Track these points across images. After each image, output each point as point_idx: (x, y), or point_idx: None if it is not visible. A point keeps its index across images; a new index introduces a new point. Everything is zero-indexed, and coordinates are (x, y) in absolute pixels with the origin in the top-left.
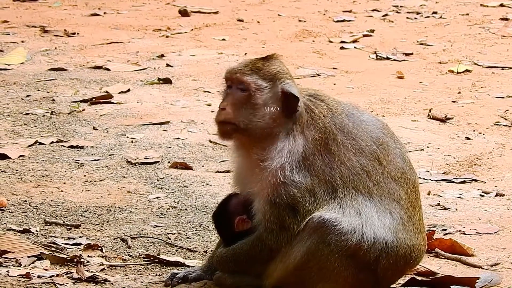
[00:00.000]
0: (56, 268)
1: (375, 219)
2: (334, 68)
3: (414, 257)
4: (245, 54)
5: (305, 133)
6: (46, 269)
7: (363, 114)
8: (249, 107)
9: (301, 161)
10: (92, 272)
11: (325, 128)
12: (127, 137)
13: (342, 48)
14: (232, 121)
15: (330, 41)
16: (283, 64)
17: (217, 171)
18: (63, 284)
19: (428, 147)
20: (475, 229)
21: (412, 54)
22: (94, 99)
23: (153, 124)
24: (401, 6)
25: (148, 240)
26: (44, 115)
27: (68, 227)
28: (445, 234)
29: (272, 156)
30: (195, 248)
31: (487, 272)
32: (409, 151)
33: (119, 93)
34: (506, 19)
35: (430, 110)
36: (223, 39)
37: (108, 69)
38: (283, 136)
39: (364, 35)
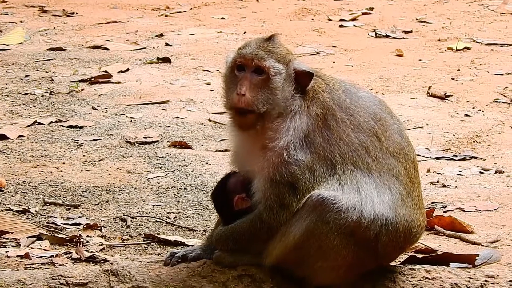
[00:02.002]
0: (55, 248)
1: (374, 196)
2: (333, 46)
3: (414, 233)
4: (244, 32)
5: (309, 109)
6: (45, 249)
7: (360, 90)
8: (268, 91)
9: (303, 139)
10: (91, 252)
11: (325, 103)
12: (126, 116)
13: (341, 26)
14: (252, 108)
15: (330, 19)
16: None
17: (217, 150)
18: (63, 264)
19: (427, 124)
20: (475, 206)
21: (411, 31)
22: (93, 79)
23: (152, 103)
24: None
25: (147, 220)
26: (43, 95)
27: (67, 207)
28: (444, 212)
29: (279, 136)
30: (195, 227)
31: (487, 249)
32: (409, 129)
33: (118, 72)
34: None
35: (429, 88)
36: (222, 18)
37: (107, 49)
38: (292, 114)
39: (363, 13)
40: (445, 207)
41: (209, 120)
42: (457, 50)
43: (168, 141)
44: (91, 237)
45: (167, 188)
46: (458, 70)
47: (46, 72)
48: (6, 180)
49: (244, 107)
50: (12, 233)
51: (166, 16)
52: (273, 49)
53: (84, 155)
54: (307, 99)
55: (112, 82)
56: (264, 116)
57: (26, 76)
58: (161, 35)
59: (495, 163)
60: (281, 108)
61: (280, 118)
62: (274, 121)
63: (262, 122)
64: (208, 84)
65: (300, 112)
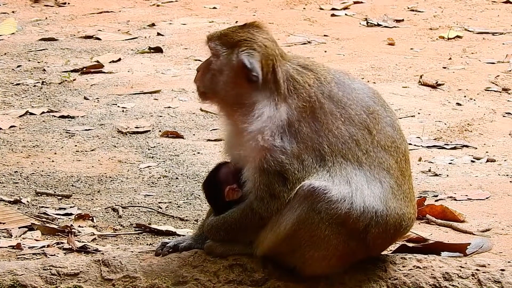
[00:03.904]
0: (47, 239)
1: (365, 188)
2: (325, 35)
3: (404, 226)
4: (236, 22)
5: (287, 101)
6: (37, 240)
7: (354, 82)
8: (209, 72)
9: (285, 128)
10: (83, 242)
11: (309, 97)
12: (118, 106)
13: (333, 15)
14: (196, 84)
15: (321, 8)
16: (262, 33)
17: (208, 140)
18: (54, 255)
19: (419, 113)
20: (466, 195)
21: (402, 20)
22: (85, 69)
23: (144, 93)
24: None
25: (139, 210)
26: (35, 85)
27: (59, 197)
28: (436, 201)
29: (250, 121)
30: (186, 217)
31: (478, 238)
32: (400, 118)
33: (110, 62)
34: None
35: (421, 77)
36: (214, 8)
37: (98, 39)
38: (262, 103)
39: (355, 2)
40: (436, 196)
41: (201, 109)
42: (448, 38)
43: (160, 131)
44: (82, 227)
45: (158, 178)
46: (450, 58)
47: (38, 62)
48: None
49: (194, 82)
50: (3, 223)
51: (157, 6)
52: (228, 33)
53: (75, 145)
54: (282, 92)
55: (104, 72)
56: (216, 98)
57: (18, 66)
58: (153, 24)
59: (487, 152)
60: (225, 92)
61: (247, 106)
62: (241, 107)
63: (217, 102)
64: None
65: (275, 103)
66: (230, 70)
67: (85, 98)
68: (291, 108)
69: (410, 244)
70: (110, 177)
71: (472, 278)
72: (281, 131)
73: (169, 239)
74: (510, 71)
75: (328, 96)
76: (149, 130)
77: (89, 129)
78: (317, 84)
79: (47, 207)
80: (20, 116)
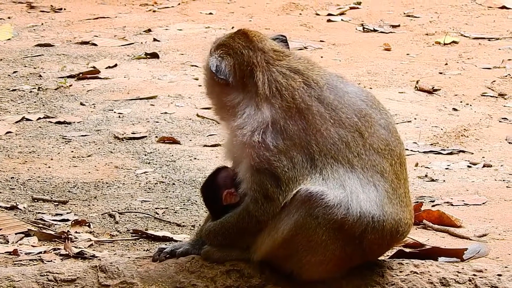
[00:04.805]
0: (43, 245)
1: (360, 192)
2: (321, 41)
3: (401, 231)
4: (232, 27)
5: (270, 101)
6: (33, 246)
7: (347, 85)
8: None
9: (268, 124)
10: (80, 248)
11: (293, 98)
12: (115, 112)
13: (329, 20)
14: None
15: (317, 14)
16: (244, 40)
17: (205, 145)
18: (51, 261)
19: (415, 118)
20: (463, 200)
21: (399, 26)
22: (81, 75)
23: (141, 99)
24: None
25: (136, 215)
26: (31, 91)
27: (55, 203)
28: (433, 206)
29: (233, 120)
30: (183, 222)
31: (475, 243)
32: (397, 123)
33: (106, 68)
34: None
35: (417, 82)
36: (210, 13)
37: (95, 44)
38: (244, 104)
39: (351, 8)
40: (433, 201)
41: (197, 115)
42: (444, 44)
43: (156, 137)
44: (79, 233)
45: (155, 184)
46: (446, 64)
47: (34, 68)
48: None
49: None
50: (0, 229)
51: (154, 11)
52: (215, 40)
53: (72, 151)
54: (261, 93)
55: (100, 78)
56: (210, 103)
57: (14, 72)
58: (149, 30)
59: (483, 157)
60: (210, 95)
61: (231, 108)
62: (228, 110)
63: (212, 108)
64: (196, 79)
65: (257, 102)
66: (205, 74)
67: (81, 104)
68: (274, 107)
69: (407, 250)
70: (106, 183)
71: (469, 283)
72: (263, 128)
73: (166, 244)
74: (506, 76)
75: (317, 98)
76: (146, 136)
77: (85, 135)
78: (303, 87)
79: (44, 213)
80: (17, 122)
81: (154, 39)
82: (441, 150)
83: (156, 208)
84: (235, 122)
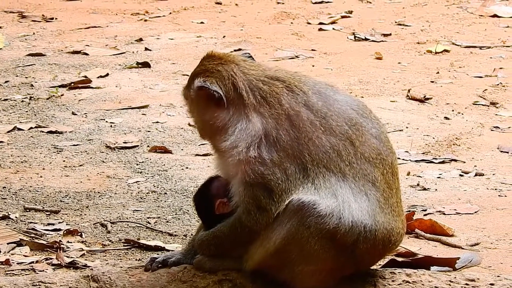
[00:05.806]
0: (35, 254)
1: (352, 201)
2: (312, 50)
3: (393, 241)
4: (224, 36)
5: (259, 110)
6: (25, 256)
7: (337, 93)
8: (189, 116)
9: (262, 137)
10: (72, 257)
11: (280, 105)
12: (106, 121)
13: (320, 29)
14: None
15: (309, 23)
16: (213, 60)
17: (197, 155)
18: (43, 270)
19: (407, 127)
20: (455, 209)
21: (390, 34)
22: (72, 84)
23: (132, 108)
24: None
25: (127, 225)
26: (22, 101)
27: (47, 213)
28: (425, 215)
29: (225, 139)
30: (175, 232)
31: (467, 252)
32: (388, 132)
33: (98, 77)
34: None
35: (408, 91)
36: (202, 22)
37: (86, 54)
38: (234, 120)
39: (342, 16)
40: (425, 210)
41: (189, 124)
42: (436, 52)
43: (148, 146)
44: (71, 242)
45: (147, 193)
46: (438, 72)
47: (26, 77)
48: None
49: None
50: None
51: (145, 20)
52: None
53: (64, 161)
54: (248, 103)
55: (91, 87)
56: (202, 133)
57: (6, 82)
58: (141, 39)
59: (475, 166)
60: (201, 125)
61: (223, 128)
62: (218, 134)
63: (205, 138)
64: None
65: (246, 114)
66: (194, 103)
67: (73, 113)
68: (264, 117)
69: (399, 259)
70: (98, 192)
71: None
72: (257, 141)
73: (158, 254)
74: (498, 85)
75: (304, 105)
76: (137, 145)
77: (77, 145)
78: (287, 92)
79: (36, 223)
80: (8, 132)
81: (146, 48)
82: (433, 159)
83: (148, 218)
84: (228, 141)
